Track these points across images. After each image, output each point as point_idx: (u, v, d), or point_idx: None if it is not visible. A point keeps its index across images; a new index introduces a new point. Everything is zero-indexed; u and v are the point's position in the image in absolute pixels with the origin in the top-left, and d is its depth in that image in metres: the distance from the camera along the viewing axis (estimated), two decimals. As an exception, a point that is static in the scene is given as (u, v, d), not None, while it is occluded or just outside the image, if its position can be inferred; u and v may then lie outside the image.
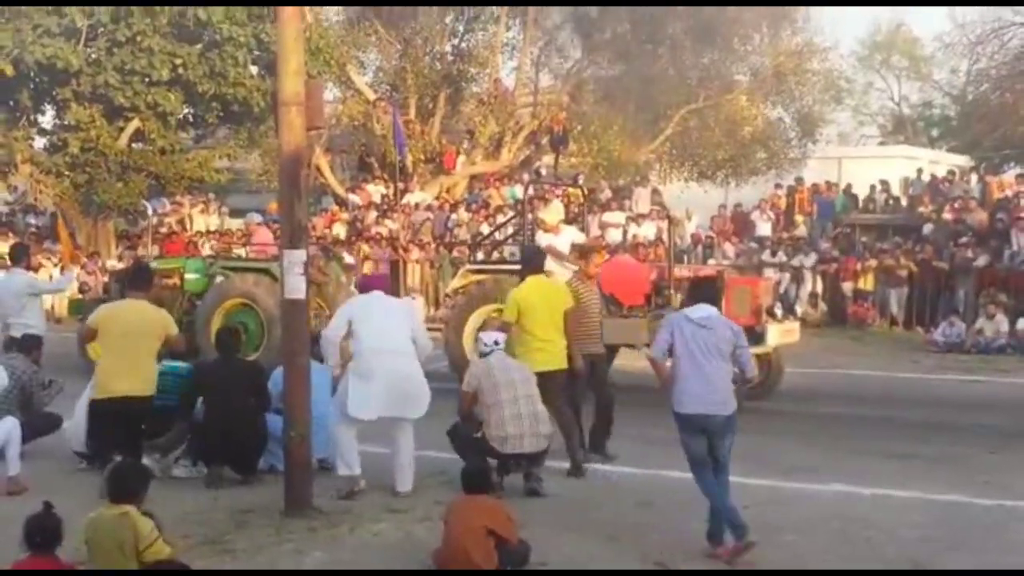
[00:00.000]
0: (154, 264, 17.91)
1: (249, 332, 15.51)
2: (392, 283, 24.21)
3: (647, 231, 24.90)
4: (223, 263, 17.15)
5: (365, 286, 9.70)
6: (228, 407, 9.55)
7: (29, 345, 10.92)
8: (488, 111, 30.54)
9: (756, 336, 13.71)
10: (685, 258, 24.04)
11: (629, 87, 30.46)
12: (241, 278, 16.17)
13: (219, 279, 16.52)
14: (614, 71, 31.75)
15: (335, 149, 32.20)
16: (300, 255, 8.64)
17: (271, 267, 16.01)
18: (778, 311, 14.09)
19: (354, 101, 31.07)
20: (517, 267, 14.94)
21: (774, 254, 24.28)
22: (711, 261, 24.27)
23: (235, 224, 29.36)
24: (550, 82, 32.77)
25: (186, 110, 27.99)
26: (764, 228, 26.31)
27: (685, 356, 7.47)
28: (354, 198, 29.60)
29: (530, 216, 15.80)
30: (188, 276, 17.03)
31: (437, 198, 29.30)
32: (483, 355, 9.44)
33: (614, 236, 25.07)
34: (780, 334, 13.82)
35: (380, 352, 8.97)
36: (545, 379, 9.71)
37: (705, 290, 7.91)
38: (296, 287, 8.63)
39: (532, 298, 9.96)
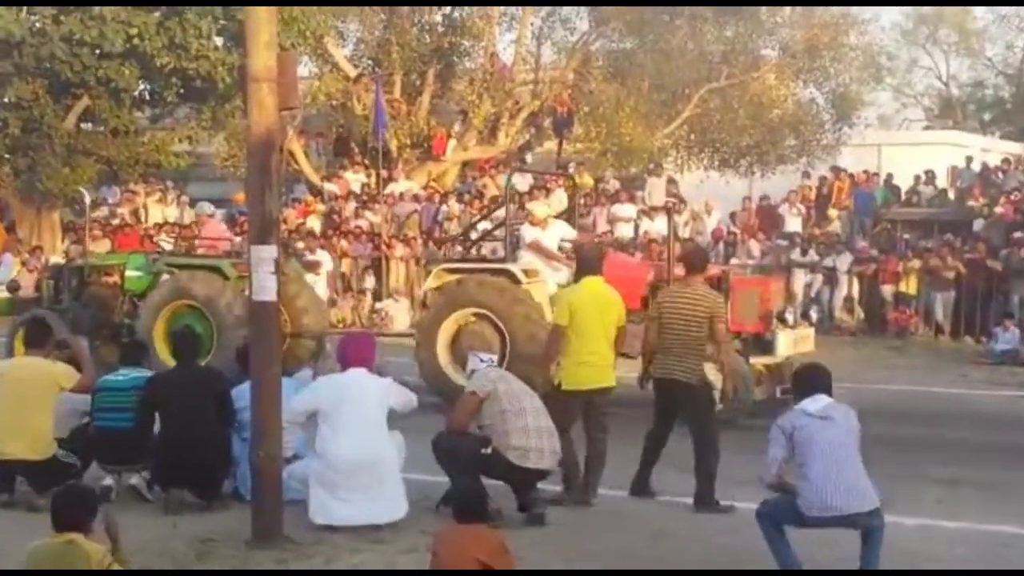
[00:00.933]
0: (92, 260, 18.10)
1: (197, 337, 15.58)
2: (377, 284, 24.53)
3: (661, 226, 24.86)
4: (168, 259, 17.25)
5: (345, 359, 9.43)
6: (187, 422, 9.52)
7: None
8: (483, 89, 30.51)
9: (765, 344, 13.78)
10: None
11: (643, 63, 30.45)
12: (187, 276, 16.25)
13: (164, 277, 16.59)
14: (626, 45, 31.72)
15: (310, 132, 32.17)
16: (270, 251, 8.66)
17: (221, 264, 16.33)
18: (789, 316, 14.12)
19: (332, 77, 31.02)
20: (497, 266, 15.14)
21: (805, 253, 24.29)
22: (734, 260, 24.27)
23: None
24: (553, 57, 32.75)
25: (142, 86, 28.00)
26: (794, 223, 26.32)
27: (813, 457, 7.36)
28: (330, 187, 29.59)
29: (515, 208, 15.81)
30: (129, 274, 17.11)
31: (425, 187, 29.28)
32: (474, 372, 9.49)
33: (624, 231, 25.13)
34: (793, 342, 13.89)
35: (353, 466, 8.86)
36: (592, 396, 9.78)
37: (818, 378, 7.80)
38: (265, 287, 8.65)
39: (587, 303, 9.85)
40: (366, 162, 30.45)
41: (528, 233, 15.41)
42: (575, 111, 30.49)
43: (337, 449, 8.87)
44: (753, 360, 13.73)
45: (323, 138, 32.45)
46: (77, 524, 6.17)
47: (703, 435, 9.78)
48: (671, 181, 29.51)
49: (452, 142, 31.30)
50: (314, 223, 27.06)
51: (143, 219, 28.35)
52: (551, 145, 32.13)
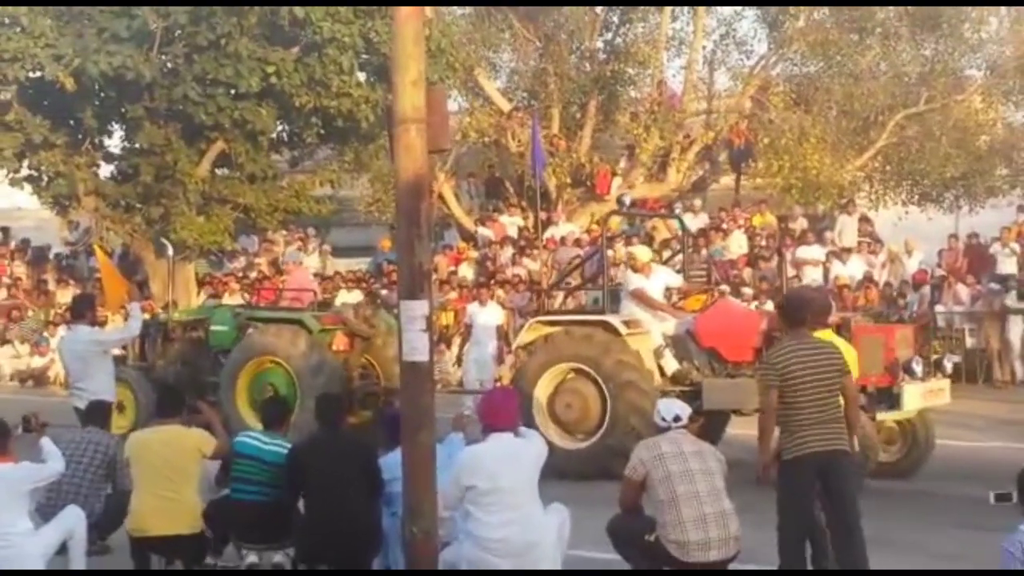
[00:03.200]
0: (176, 316, 18.80)
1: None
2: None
3: (855, 269, 24.54)
4: (250, 313, 17.94)
5: (488, 421, 9.13)
6: (334, 494, 9.58)
7: (99, 414, 11.43)
8: (651, 121, 30.54)
9: (891, 398, 13.48)
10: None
11: (829, 87, 30.18)
12: (269, 331, 16.85)
13: (249, 331, 17.16)
14: (809, 68, 31.50)
15: (461, 172, 32.55)
16: (422, 307, 8.70)
17: (304, 317, 17.06)
18: (917, 367, 13.78)
19: (484, 112, 31.37)
20: (596, 317, 15.12)
21: (1022, 298, 23.71)
22: (939, 307, 23.83)
23: (341, 265, 29.83)
24: (728, 84, 32.70)
25: (280, 128, 28.51)
26: (1008, 264, 25.69)
27: None
28: (484, 232, 29.86)
29: (611, 252, 15.92)
30: (214, 328, 17.72)
31: (588, 231, 29.34)
32: (660, 430, 9.28)
33: (812, 276, 24.82)
34: (922, 396, 13.61)
35: (513, 549, 8.72)
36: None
37: None
38: (417, 347, 8.70)
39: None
40: (523, 204, 30.69)
41: (631, 280, 15.39)
42: (754, 142, 30.31)
43: (494, 532, 8.75)
44: (880, 416, 13.57)
45: (475, 178, 32.80)
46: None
47: (856, 510, 9.27)
48: (864, 219, 29.14)
49: (617, 180, 31.37)
50: (466, 271, 27.30)
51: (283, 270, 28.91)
52: (728, 181, 31.97)
